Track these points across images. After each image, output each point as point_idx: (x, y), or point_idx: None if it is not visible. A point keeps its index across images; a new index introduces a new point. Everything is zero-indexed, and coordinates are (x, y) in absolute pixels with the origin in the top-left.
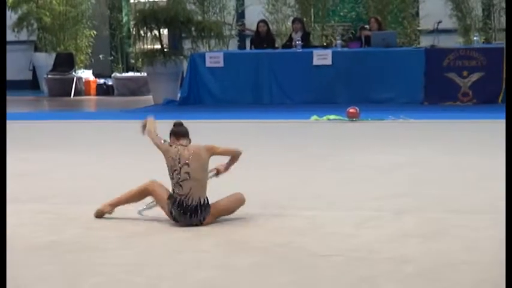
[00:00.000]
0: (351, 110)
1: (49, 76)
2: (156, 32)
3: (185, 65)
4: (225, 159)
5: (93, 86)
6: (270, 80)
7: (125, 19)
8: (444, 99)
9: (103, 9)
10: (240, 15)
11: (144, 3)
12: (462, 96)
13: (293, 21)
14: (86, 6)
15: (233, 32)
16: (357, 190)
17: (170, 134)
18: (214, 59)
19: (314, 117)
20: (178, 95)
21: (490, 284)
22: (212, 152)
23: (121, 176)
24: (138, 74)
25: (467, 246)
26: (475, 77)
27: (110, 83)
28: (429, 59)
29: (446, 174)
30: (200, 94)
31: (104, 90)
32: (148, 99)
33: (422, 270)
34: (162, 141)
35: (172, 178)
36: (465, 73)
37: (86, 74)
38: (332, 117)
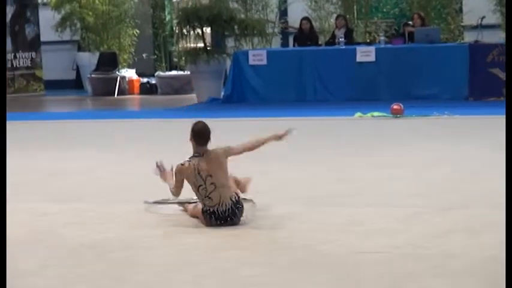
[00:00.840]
0: (395, 107)
1: (92, 75)
2: (199, 30)
3: (228, 63)
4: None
5: (137, 85)
6: (314, 77)
7: (167, 18)
8: (489, 94)
9: (146, 8)
10: (283, 13)
11: (187, 1)
12: None
13: (336, 18)
14: (129, 5)
15: (276, 30)
16: (400, 186)
17: (191, 136)
18: (257, 56)
19: (358, 114)
20: (222, 93)
21: None
22: (228, 154)
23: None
24: (181, 73)
25: None
26: None
27: (153, 81)
28: (473, 54)
29: (490, 169)
30: (244, 92)
31: (147, 89)
32: (192, 97)
33: (468, 265)
34: (175, 178)
35: (198, 193)
36: None
37: (129, 73)
38: (376, 114)
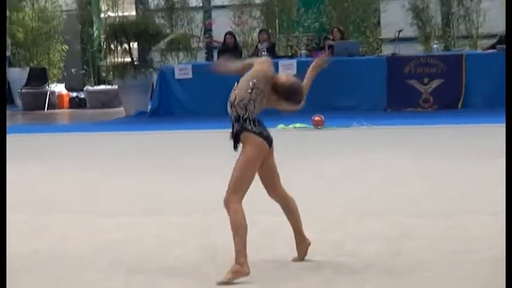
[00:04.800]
0: (316, 118)
1: (23, 90)
2: (126, 45)
3: (155, 77)
4: None
5: (66, 99)
6: None
7: (96, 33)
8: (406, 105)
9: (74, 24)
10: (208, 28)
11: (114, 17)
12: (423, 102)
13: (259, 33)
14: (58, 21)
15: (201, 44)
16: (324, 194)
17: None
18: (183, 70)
19: (281, 125)
20: (149, 106)
21: None
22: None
23: (94, 186)
24: (109, 87)
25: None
26: (435, 83)
27: (82, 96)
28: (391, 66)
29: (410, 177)
30: (170, 105)
31: (76, 103)
32: (120, 111)
33: (386, 272)
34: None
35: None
36: (426, 80)
37: (59, 88)
38: (298, 125)
